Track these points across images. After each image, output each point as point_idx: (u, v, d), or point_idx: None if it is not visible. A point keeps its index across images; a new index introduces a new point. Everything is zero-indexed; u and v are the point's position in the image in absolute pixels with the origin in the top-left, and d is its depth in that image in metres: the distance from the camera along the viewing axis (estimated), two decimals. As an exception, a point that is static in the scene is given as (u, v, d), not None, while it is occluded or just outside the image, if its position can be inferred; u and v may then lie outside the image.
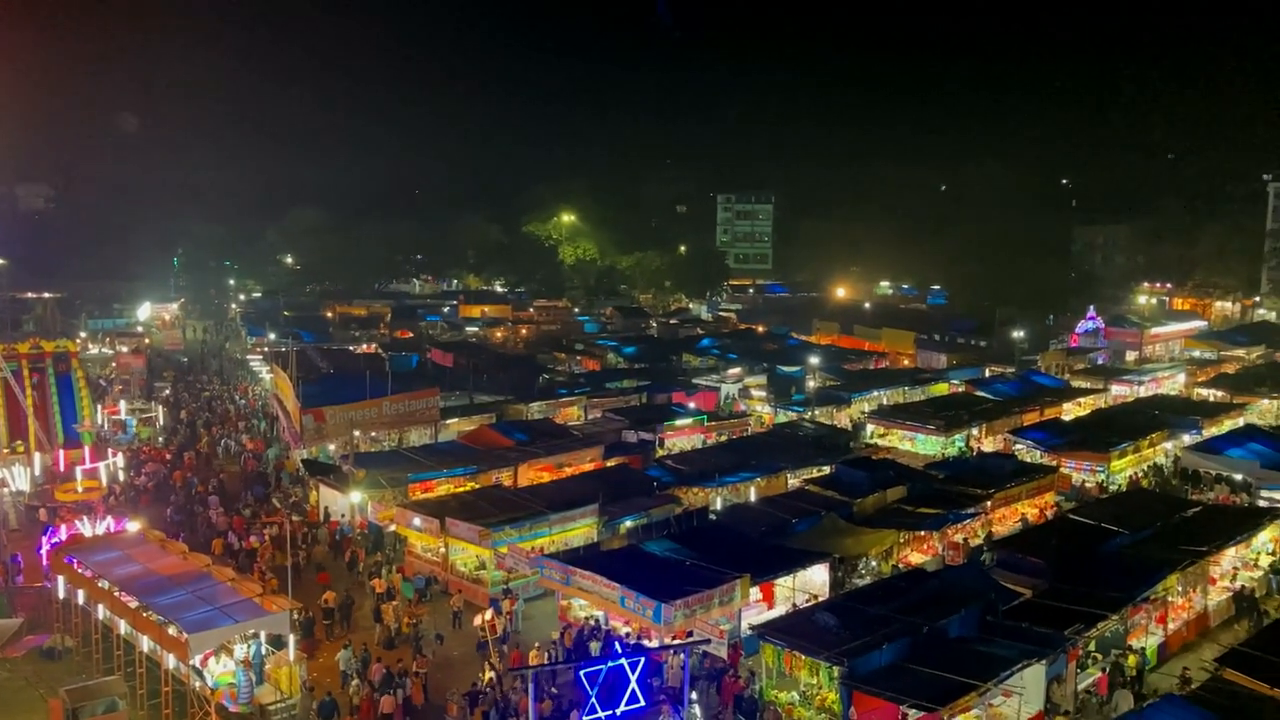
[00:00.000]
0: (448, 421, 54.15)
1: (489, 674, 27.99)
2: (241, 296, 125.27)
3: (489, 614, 31.53)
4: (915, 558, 36.52)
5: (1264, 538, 36.49)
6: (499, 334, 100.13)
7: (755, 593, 31.48)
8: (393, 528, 39.03)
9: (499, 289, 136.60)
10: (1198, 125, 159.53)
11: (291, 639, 27.86)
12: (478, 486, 41.97)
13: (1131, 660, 28.73)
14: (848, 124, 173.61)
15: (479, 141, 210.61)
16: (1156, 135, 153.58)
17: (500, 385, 62.73)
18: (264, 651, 28.19)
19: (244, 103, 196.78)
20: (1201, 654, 29.88)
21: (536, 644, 30.34)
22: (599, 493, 38.71)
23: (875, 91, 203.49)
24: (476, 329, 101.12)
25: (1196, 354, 79.95)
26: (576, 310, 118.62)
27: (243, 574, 32.10)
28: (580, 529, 36.97)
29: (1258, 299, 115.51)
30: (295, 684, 27.55)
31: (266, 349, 77.78)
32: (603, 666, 21.03)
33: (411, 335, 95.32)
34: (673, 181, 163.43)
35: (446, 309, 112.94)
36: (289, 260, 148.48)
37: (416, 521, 36.99)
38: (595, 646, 29.22)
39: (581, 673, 20.96)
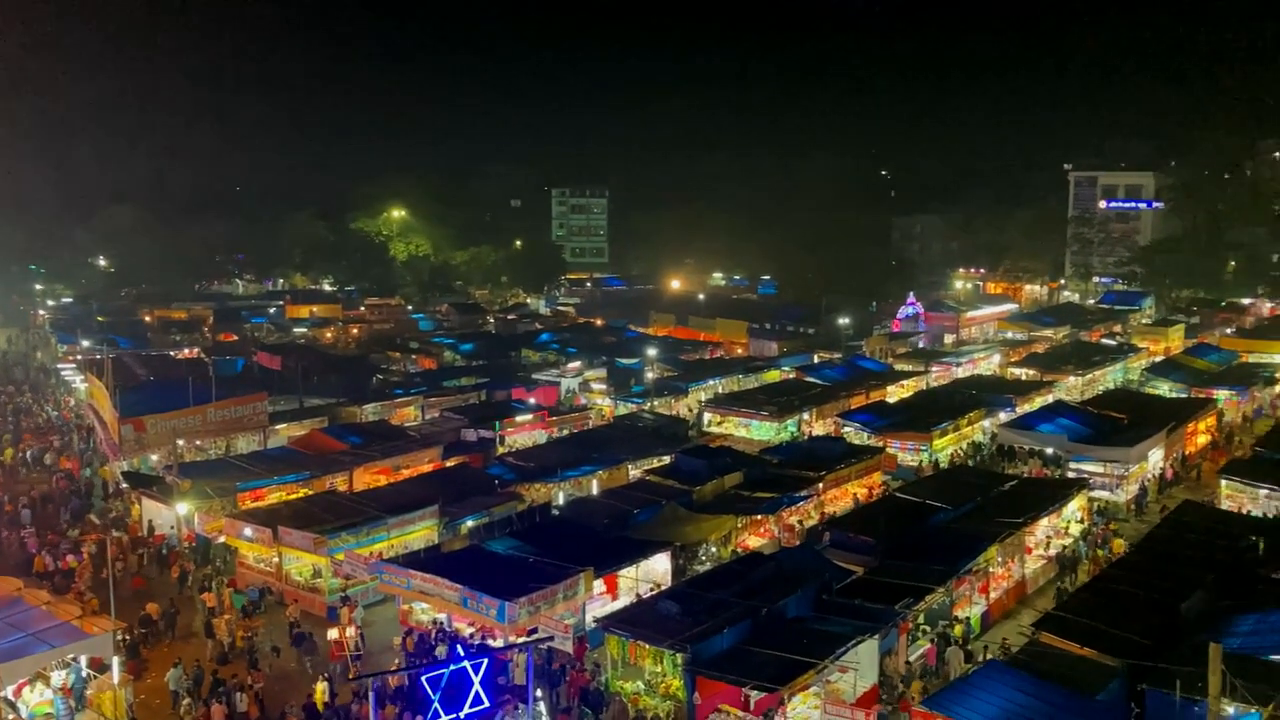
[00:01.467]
0: (277, 427, 52.33)
1: (321, 686, 27.02)
2: (50, 302, 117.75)
3: (339, 631, 30.42)
4: (753, 541, 37.38)
5: (1073, 507, 38.94)
6: (329, 334, 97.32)
7: (599, 585, 31.62)
8: (222, 539, 37.44)
9: (328, 288, 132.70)
10: (1005, 117, 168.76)
11: (116, 661, 26.40)
12: (311, 493, 40.68)
13: (958, 630, 30.14)
14: (679, 119, 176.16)
15: (305, 138, 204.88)
16: (969, 127, 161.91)
17: (332, 388, 61.02)
18: (85, 676, 26.64)
19: (51, 99, 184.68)
20: (1020, 620, 31.60)
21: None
22: (438, 494, 38.15)
23: (705, 87, 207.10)
24: (305, 330, 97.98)
25: (1009, 335, 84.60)
26: (410, 308, 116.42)
27: (59, 596, 30.24)
28: (420, 531, 36.33)
29: (1063, 281, 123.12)
30: (121, 708, 26.12)
31: (79, 357, 73.42)
32: (444, 670, 20.69)
33: (236, 338, 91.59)
34: (507, 175, 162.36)
35: (272, 310, 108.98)
36: (102, 263, 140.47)
37: (247, 531, 35.63)
38: (442, 651, 28.77)
39: (423, 678, 20.58)
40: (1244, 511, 38.65)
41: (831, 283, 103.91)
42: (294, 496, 40.21)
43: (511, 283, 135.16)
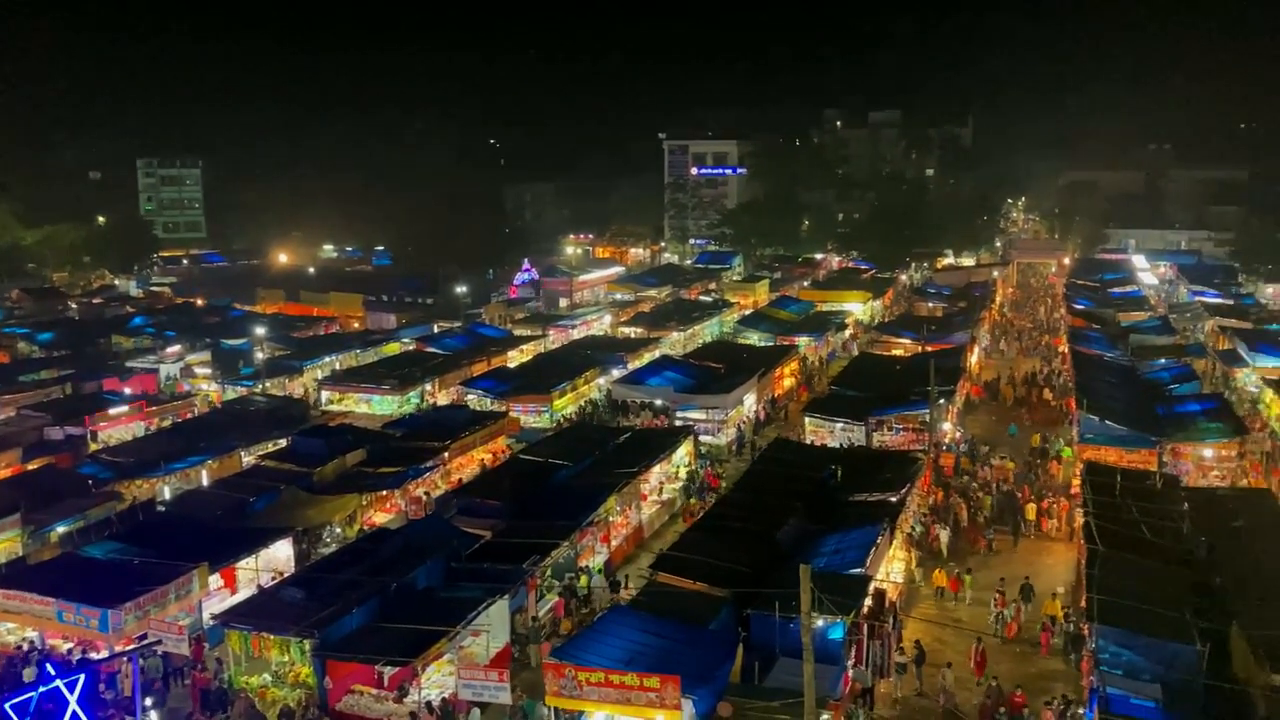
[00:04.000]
0: None
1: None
2: None
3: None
4: (380, 518, 36.83)
5: (681, 453, 41.77)
6: None
7: (216, 580, 29.90)
8: None
9: None
10: (609, 86, 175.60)
11: None
12: None
13: (584, 581, 31.50)
14: (279, 90, 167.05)
15: None
16: (581, 98, 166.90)
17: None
18: None
19: None
20: (640, 564, 33.55)
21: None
22: (19, 501, 34.24)
23: (309, 58, 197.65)
24: None
25: (617, 297, 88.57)
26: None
27: None
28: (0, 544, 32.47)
29: (663, 244, 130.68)
30: None
31: None
32: (33, 694, 18.70)
33: None
34: (87, 147, 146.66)
35: None
36: None
37: None
38: (30, 673, 25.93)
39: (7, 705, 18.47)
40: (824, 444, 43.31)
41: (447, 252, 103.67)
42: None
43: (96, 263, 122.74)
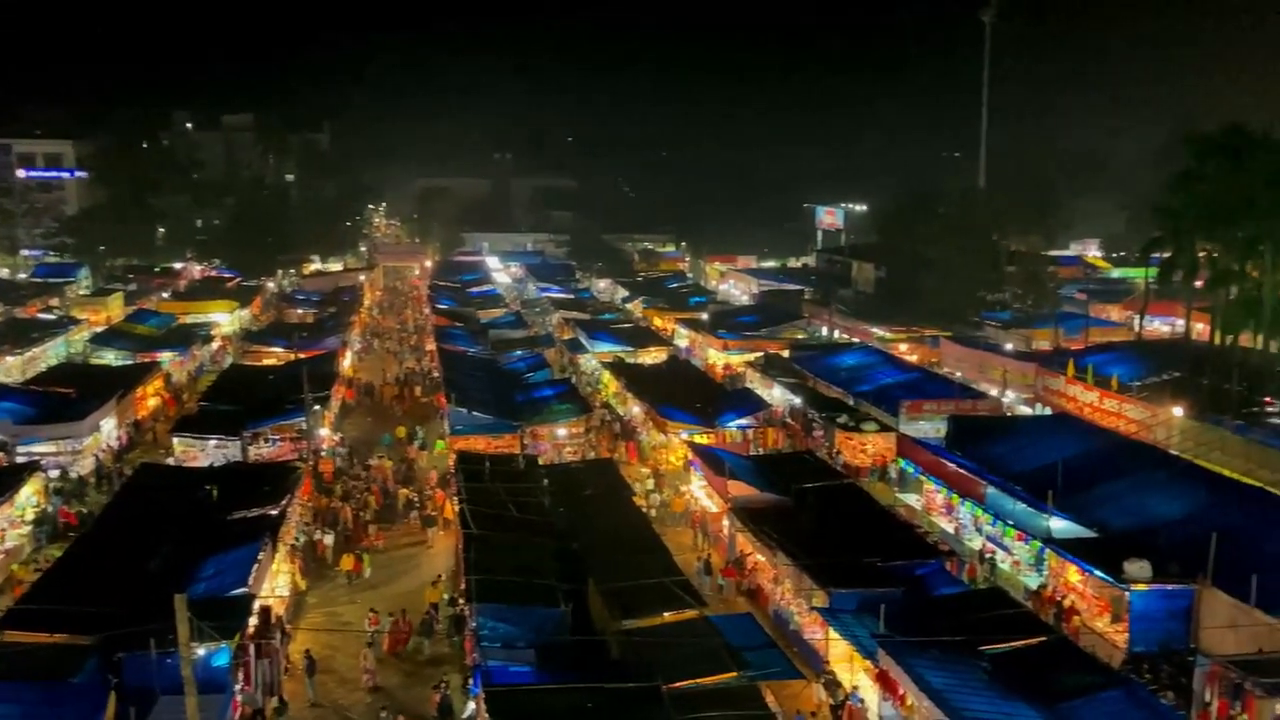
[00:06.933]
0: None
1: None
2: None
3: None
4: None
5: (26, 493, 36.73)
6: None
7: None
8: None
9: None
10: None
11: None
12: None
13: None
14: None
15: None
16: None
17: None
18: None
19: None
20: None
21: None
22: None
23: None
24: None
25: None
26: None
27: None
28: None
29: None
30: None
31: None
32: None
33: None
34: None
35: None
36: None
37: None
38: None
39: None
40: (198, 464, 40.96)
41: None
42: None
43: None
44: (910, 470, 40.39)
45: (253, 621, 24.96)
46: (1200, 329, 56.88)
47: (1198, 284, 56.21)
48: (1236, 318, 50.05)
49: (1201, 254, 54.13)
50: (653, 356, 61.80)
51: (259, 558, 27.92)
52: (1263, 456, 37.31)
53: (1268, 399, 46.33)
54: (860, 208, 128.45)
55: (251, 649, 24.17)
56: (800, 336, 70.19)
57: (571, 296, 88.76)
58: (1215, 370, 48.61)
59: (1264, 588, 24.78)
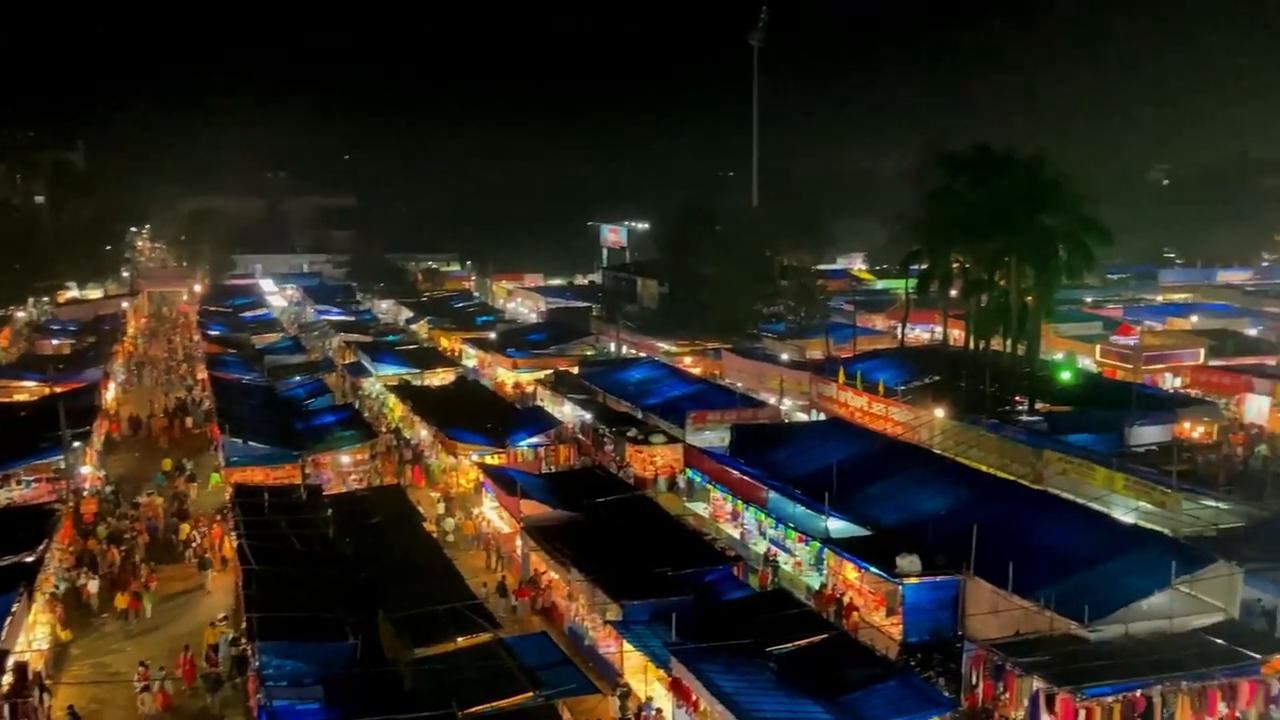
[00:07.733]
0: None
1: None
2: None
3: None
4: None
5: None
6: None
7: None
8: None
9: None
10: None
11: None
12: None
13: None
14: None
15: None
16: None
17: None
18: None
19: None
20: None
21: None
22: None
23: None
24: None
25: None
26: None
27: None
28: None
29: None
30: None
31: None
32: None
33: None
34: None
35: None
36: None
37: None
38: None
39: None
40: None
41: None
42: None
43: None
44: (697, 479, 41.42)
45: (6, 679, 22.98)
46: (956, 335, 60.65)
47: (953, 293, 59.93)
48: (987, 324, 53.63)
49: (955, 265, 57.73)
50: (440, 378, 60.81)
51: (12, 610, 25.74)
52: (1015, 452, 40.26)
53: (1018, 398, 50.10)
54: (643, 225, 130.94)
55: (6, 709, 22.25)
56: (589, 353, 70.74)
57: (352, 319, 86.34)
58: (971, 373, 52.22)
59: (1019, 574, 26.65)
